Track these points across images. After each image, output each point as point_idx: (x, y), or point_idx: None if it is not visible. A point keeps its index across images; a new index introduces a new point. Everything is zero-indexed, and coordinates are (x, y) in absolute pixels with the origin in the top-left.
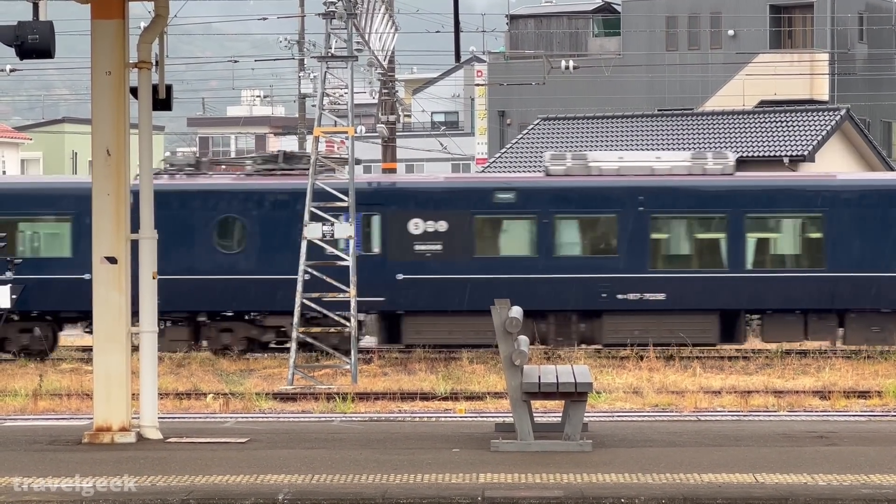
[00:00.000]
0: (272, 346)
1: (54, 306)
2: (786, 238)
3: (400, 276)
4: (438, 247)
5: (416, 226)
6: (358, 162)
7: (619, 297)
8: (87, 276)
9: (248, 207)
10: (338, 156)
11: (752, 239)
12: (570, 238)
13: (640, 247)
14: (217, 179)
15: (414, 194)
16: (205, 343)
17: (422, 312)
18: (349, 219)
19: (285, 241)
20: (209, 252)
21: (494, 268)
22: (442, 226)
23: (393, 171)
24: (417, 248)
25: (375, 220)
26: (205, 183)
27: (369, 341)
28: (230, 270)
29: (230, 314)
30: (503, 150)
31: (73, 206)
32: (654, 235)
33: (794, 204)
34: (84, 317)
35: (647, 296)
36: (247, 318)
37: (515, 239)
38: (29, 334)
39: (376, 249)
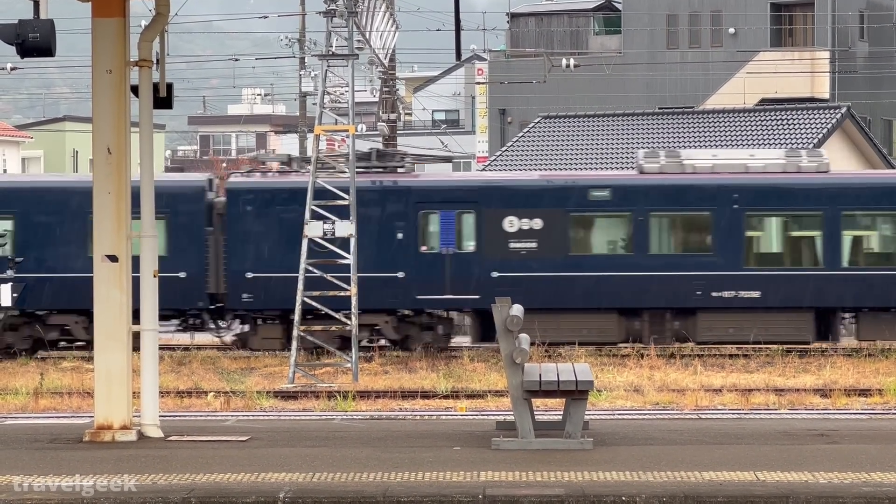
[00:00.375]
0: (363, 344)
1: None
2: (882, 236)
3: (495, 274)
4: (533, 244)
5: (511, 223)
6: (448, 160)
7: (714, 294)
8: (181, 275)
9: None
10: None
11: (847, 237)
12: (664, 235)
13: (734, 244)
14: (308, 177)
15: (509, 192)
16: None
17: None
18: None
19: (380, 238)
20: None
21: (589, 265)
22: (537, 223)
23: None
24: (512, 245)
25: (471, 218)
26: (298, 181)
27: (462, 341)
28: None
29: (322, 312)
30: (504, 149)
31: (166, 204)
32: (749, 233)
33: (890, 201)
34: (176, 315)
35: (742, 294)
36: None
37: (610, 236)
38: None
39: (471, 247)
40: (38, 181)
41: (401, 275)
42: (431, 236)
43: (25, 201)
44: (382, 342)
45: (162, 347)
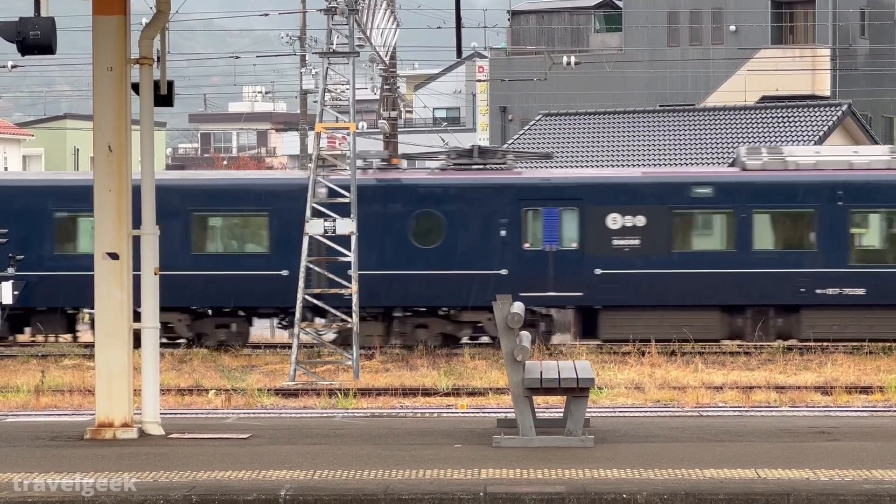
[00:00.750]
0: (464, 341)
1: (248, 302)
2: None
3: (598, 271)
4: (636, 241)
5: (614, 220)
6: (549, 156)
7: (818, 291)
8: (284, 273)
9: (445, 202)
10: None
11: None
12: (767, 232)
13: (839, 241)
14: (412, 174)
15: (612, 189)
16: (397, 339)
17: (619, 307)
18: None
19: (483, 236)
20: (405, 247)
21: (692, 262)
22: (640, 220)
23: (395, 167)
24: (615, 242)
25: (574, 215)
26: (400, 178)
27: (562, 338)
28: (426, 266)
29: (424, 309)
30: (505, 146)
31: (269, 202)
32: (854, 230)
33: None
34: (279, 312)
35: (847, 291)
36: (441, 313)
37: (713, 233)
38: (226, 329)
39: (574, 244)
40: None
41: (504, 272)
42: (534, 233)
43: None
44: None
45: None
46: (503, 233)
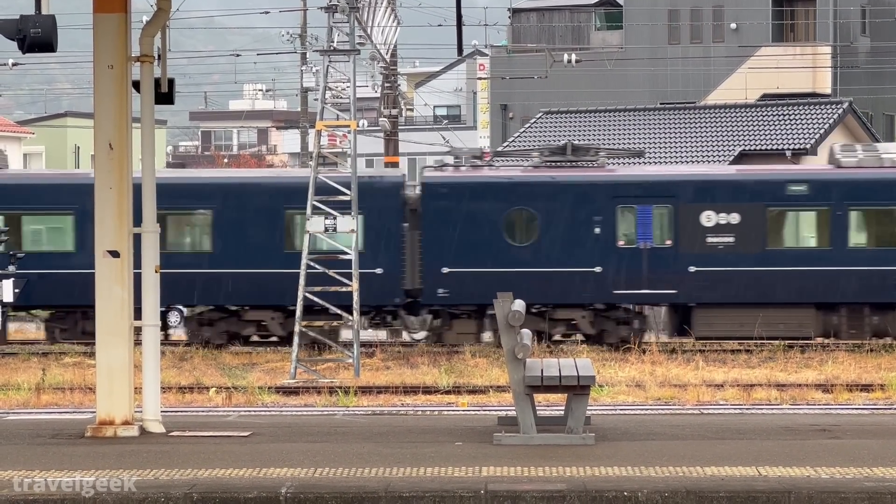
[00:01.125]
0: (556, 338)
1: (341, 300)
2: None
3: (692, 269)
4: (730, 239)
5: (708, 218)
6: (641, 154)
7: None
8: (377, 271)
9: (539, 199)
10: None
11: None
12: (863, 230)
13: None
14: (505, 171)
15: (706, 187)
16: (487, 336)
17: (713, 305)
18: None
19: (577, 233)
20: (498, 244)
21: (786, 260)
22: (734, 218)
23: (396, 164)
24: (710, 240)
25: (667, 213)
26: (494, 175)
27: (652, 336)
28: (519, 263)
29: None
30: (505, 144)
31: (364, 200)
32: None
33: None
34: (371, 310)
35: None
36: (534, 310)
37: (807, 231)
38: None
39: (668, 242)
40: (236, 176)
41: (598, 269)
42: (628, 231)
43: (224, 196)
44: (578, 336)
45: (163, 343)
46: (597, 230)
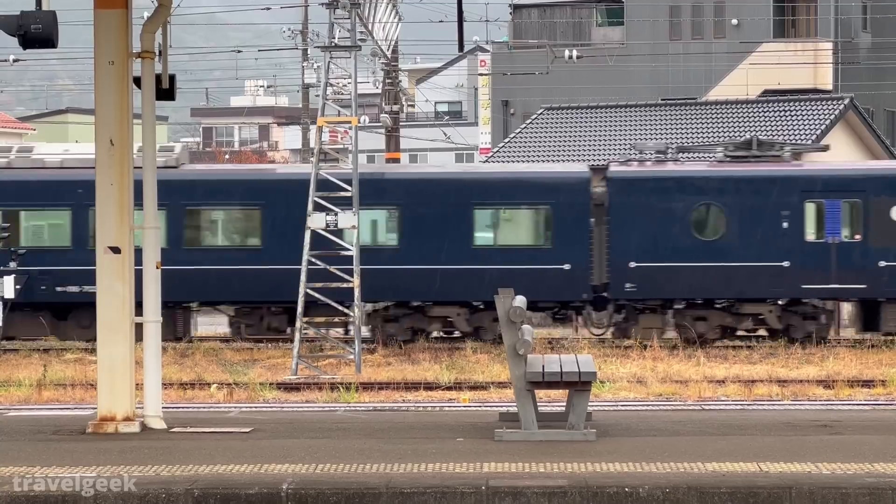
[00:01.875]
0: (741, 334)
1: (526, 296)
2: None
3: (882, 264)
4: None
5: None
6: (825, 149)
7: None
8: (566, 266)
9: (726, 194)
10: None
11: None
12: None
13: None
14: (691, 166)
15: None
16: (673, 332)
17: None
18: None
19: (764, 227)
20: (685, 239)
21: None
22: None
23: (397, 160)
24: None
25: (857, 207)
26: (680, 170)
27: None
28: (706, 257)
29: (700, 302)
30: (507, 140)
31: (552, 195)
32: None
33: None
34: (558, 306)
35: None
36: (718, 305)
37: None
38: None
39: (857, 236)
40: (422, 172)
41: (786, 264)
42: (817, 225)
43: (410, 192)
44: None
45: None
46: (785, 224)
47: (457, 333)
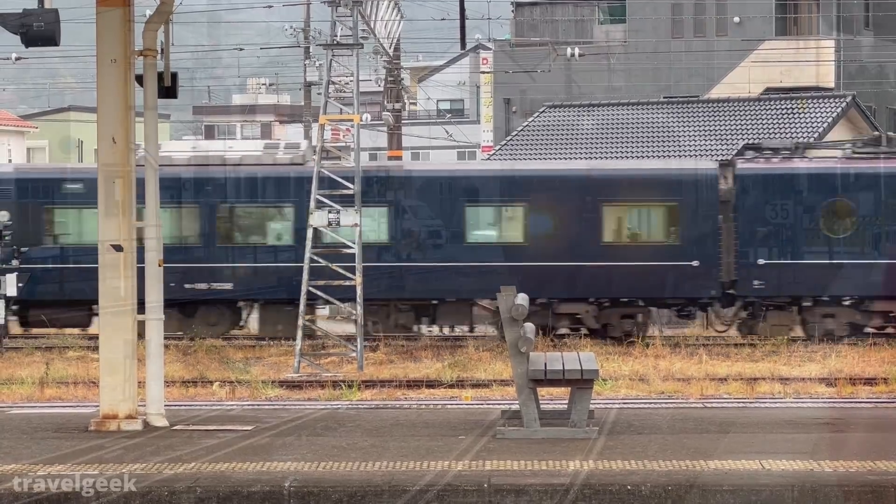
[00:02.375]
0: (868, 330)
1: (651, 293)
2: None
3: None
4: None
5: None
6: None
7: None
8: (694, 263)
9: (857, 190)
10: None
11: None
12: None
13: None
14: (819, 163)
15: None
16: (799, 329)
17: None
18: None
19: (894, 223)
20: (815, 236)
21: None
22: None
23: (399, 158)
24: None
25: None
26: (810, 166)
27: None
28: (837, 254)
29: (826, 298)
30: (509, 138)
31: (677, 191)
32: None
33: None
34: (684, 302)
35: None
36: (846, 302)
37: None
38: (631, 320)
39: None
40: (549, 169)
41: None
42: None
43: (538, 190)
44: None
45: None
46: None
47: (583, 331)
